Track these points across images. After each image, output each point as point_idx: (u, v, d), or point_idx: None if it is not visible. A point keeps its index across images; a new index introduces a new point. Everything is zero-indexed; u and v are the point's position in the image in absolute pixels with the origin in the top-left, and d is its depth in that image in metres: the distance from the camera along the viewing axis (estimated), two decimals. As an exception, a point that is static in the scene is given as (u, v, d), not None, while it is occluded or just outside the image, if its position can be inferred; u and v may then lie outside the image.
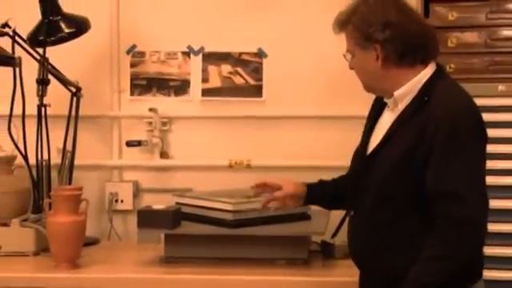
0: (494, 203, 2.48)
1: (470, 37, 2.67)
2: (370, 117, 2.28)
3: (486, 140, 2.07)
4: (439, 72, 2.13)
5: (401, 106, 2.12)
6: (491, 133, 2.47)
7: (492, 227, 2.47)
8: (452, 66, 2.66)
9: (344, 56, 2.21)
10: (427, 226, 2.00)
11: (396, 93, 2.12)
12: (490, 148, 2.48)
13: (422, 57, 2.10)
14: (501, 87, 2.53)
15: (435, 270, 1.97)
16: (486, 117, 2.48)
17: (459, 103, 2.05)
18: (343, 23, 2.16)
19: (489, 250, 2.49)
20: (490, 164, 2.48)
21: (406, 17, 2.10)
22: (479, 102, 2.49)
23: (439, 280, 1.97)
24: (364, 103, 2.29)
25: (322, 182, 2.50)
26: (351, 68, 2.22)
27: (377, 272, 2.14)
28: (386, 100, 2.19)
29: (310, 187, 2.45)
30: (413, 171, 2.02)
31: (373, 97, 2.33)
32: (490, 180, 2.47)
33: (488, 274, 2.47)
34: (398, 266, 2.05)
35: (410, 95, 2.10)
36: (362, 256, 2.19)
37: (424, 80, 2.09)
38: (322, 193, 2.48)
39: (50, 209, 2.71)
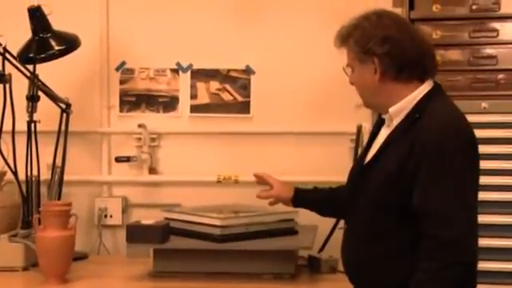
0: (481, 218, 2.53)
1: (454, 55, 2.71)
2: (372, 133, 2.31)
3: (477, 159, 2.07)
4: (435, 90, 2.14)
5: (395, 122, 2.14)
6: (474, 149, 2.54)
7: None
8: (436, 83, 2.70)
9: (344, 70, 2.24)
10: (417, 239, 2.01)
11: (391, 109, 2.14)
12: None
13: (419, 73, 2.12)
14: (484, 104, 2.57)
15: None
16: (470, 133, 2.55)
17: (449, 122, 2.04)
18: (345, 37, 2.20)
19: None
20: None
21: (405, 33, 2.12)
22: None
23: None
24: (349, 120, 2.33)
25: (315, 188, 2.57)
26: (351, 83, 2.24)
27: (368, 285, 2.16)
28: (383, 116, 2.22)
29: (299, 192, 2.53)
30: (403, 186, 2.03)
31: (357, 115, 2.35)
32: (474, 195, 2.54)
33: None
34: (388, 279, 2.07)
35: (404, 112, 2.12)
36: (354, 269, 2.20)
37: (419, 97, 2.11)
38: (311, 198, 2.54)
39: (39, 224, 2.73)
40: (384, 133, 2.19)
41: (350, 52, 2.18)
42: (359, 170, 2.22)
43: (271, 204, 2.62)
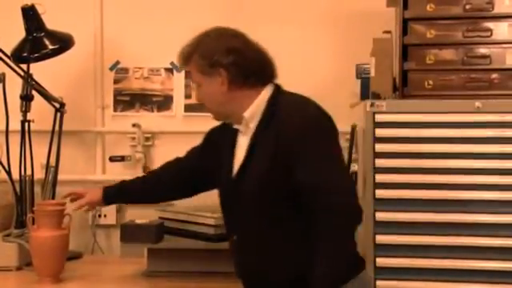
0: (475, 218, 2.55)
1: (448, 54, 2.72)
2: (228, 145, 2.33)
3: (337, 134, 2.23)
4: (279, 88, 2.29)
5: (252, 125, 2.24)
6: (467, 148, 2.55)
7: (468, 241, 2.55)
8: (430, 82, 2.71)
9: (192, 89, 2.32)
10: (310, 223, 2.12)
11: (245, 113, 2.24)
12: (467, 163, 2.56)
13: (263, 78, 2.26)
14: (477, 103, 2.57)
15: (331, 262, 2.08)
16: (463, 132, 2.56)
17: (303, 104, 2.22)
18: (189, 55, 2.29)
19: (466, 264, 2.55)
20: (468, 179, 2.56)
21: (245, 45, 2.26)
22: (456, 117, 2.57)
23: (336, 271, 2.08)
24: (343, 119, 2.34)
25: (121, 181, 2.68)
26: (198, 100, 2.36)
27: (273, 280, 2.21)
28: (236, 127, 2.29)
29: (106, 188, 2.64)
30: (280, 180, 2.14)
31: (351, 115, 2.35)
32: (468, 195, 2.55)
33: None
34: (288, 275, 2.16)
35: (258, 113, 2.23)
36: (255, 271, 2.25)
37: (267, 97, 2.25)
38: (121, 190, 2.64)
39: (33, 224, 2.72)
40: (243, 141, 2.27)
41: (196, 68, 2.28)
42: (230, 182, 2.27)
43: (87, 211, 2.79)
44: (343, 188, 2.12)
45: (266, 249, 2.20)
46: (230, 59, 2.21)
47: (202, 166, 2.45)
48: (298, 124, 2.15)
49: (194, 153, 2.53)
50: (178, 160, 2.59)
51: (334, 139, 2.21)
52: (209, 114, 2.33)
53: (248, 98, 2.24)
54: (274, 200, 2.16)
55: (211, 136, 2.48)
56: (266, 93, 2.25)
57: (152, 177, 2.66)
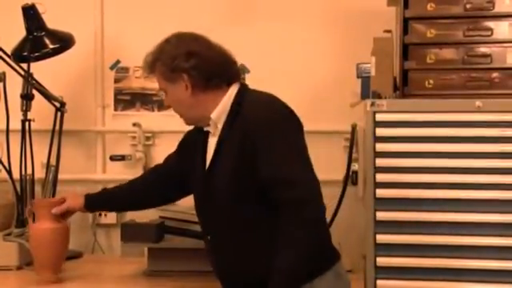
0: (475, 217, 2.55)
1: (448, 53, 2.71)
2: (198, 148, 2.35)
3: (301, 128, 2.25)
4: (244, 87, 2.31)
5: (220, 126, 2.27)
6: (468, 148, 2.55)
7: (468, 240, 2.55)
8: (430, 81, 2.70)
9: (160, 96, 2.32)
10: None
11: (212, 115, 2.27)
12: (467, 163, 2.55)
13: (226, 79, 2.28)
14: (478, 103, 2.57)
15: (292, 256, 2.09)
16: (464, 132, 2.56)
17: (267, 101, 2.25)
18: (152, 63, 2.32)
19: (467, 263, 2.55)
20: (468, 179, 2.56)
21: (206, 47, 2.29)
22: (457, 117, 2.57)
23: (297, 264, 2.09)
24: (343, 119, 2.34)
25: (103, 189, 2.78)
26: (168, 105, 2.39)
27: (248, 279, 2.21)
28: (206, 129, 2.32)
29: (88, 196, 2.63)
30: (247, 178, 2.16)
31: (351, 114, 2.36)
32: (468, 194, 2.55)
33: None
34: (265, 269, 2.12)
35: (224, 113, 2.26)
36: (229, 272, 2.27)
37: (233, 96, 2.27)
38: (102, 199, 2.65)
39: (33, 221, 2.70)
40: (212, 142, 2.30)
41: (160, 75, 2.31)
42: (201, 183, 2.29)
43: (65, 218, 2.67)
44: (304, 182, 2.14)
45: (238, 249, 2.22)
46: (191, 63, 2.24)
47: (178, 170, 2.48)
48: (261, 120, 2.18)
49: (171, 158, 2.57)
50: (156, 167, 2.66)
51: (297, 134, 2.23)
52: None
53: (213, 100, 2.27)
54: (243, 199, 2.19)
55: (185, 140, 2.51)
56: (232, 92, 2.28)
57: (133, 184, 2.66)
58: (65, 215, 2.66)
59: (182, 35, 2.33)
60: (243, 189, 2.18)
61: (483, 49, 2.70)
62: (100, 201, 2.66)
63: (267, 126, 2.17)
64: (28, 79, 3.01)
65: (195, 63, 2.24)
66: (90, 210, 2.72)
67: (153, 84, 3.35)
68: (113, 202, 2.66)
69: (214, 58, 2.27)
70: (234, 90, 2.29)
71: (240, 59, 3.28)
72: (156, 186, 2.58)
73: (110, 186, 3.34)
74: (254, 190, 2.17)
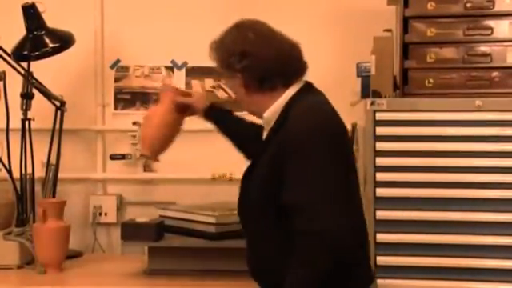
0: (475, 216, 2.55)
1: (448, 52, 2.72)
2: (260, 137, 2.30)
3: (343, 150, 2.09)
4: (303, 90, 2.18)
5: (269, 127, 2.18)
6: (468, 147, 2.55)
7: (468, 239, 2.56)
8: (431, 80, 2.70)
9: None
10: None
11: (265, 115, 2.19)
12: (467, 162, 2.56)
13: (281, 81, 2.16)
14: (478, 102, 2.57)
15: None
16: (464, 131, 2.56)
17: (309, 120, 2.07)
18: (213, 51, 2.25)
19: (467, 262, 2.55)
20: (468, 177, 2.56)
21: (264, 44, 2.17)
22: (457, 116, 2.57)
23: None
24: (344, 118, 2.33)
25: (227, 109, 2.60)
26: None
27: (271, 285, 2.16)
28: (262, 123, 2.27)
29: (214, 104, 2.57)
30: (276, 187, 2.04)
31: (352, 113, 2.36)
32: (468, 193, 2.55)
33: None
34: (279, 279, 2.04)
35: (276, 116, 2.16)
36: (255, 271, 2.22)
37: (286, 101, 2.15)
38: (223, 115, 2.57)
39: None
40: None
41: (219, 67, 2.26)
42: (242, 179, 2.24)
43: (182, 113, 2.54)
44: (325, 213, 1.96)
45: (261, 252, 2.16)
46: (244, 64, 2.15)
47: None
48: (295, 136, 2.04)
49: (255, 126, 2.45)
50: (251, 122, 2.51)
51: (333, 153, 2.03)
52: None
53: (268, 101, 2.17)
54: (267, 209, 2.09)
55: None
56: (287, 95, 2.16)
57: (243, 120, 2.55)
58: (184, 109, 2.53)
59: (244, 26, 2.22)
60: (267, 200, 2.08)
61: (483, 48, 2.70)
62: (219, 114, 2.57)
63: (301, 147, 2.02)
64: (28, 78, 3.01)
65: (247, 64, 2.15)
66: (206, 117, 2.56)
67: (153, 83, 3.37)
68: (228, 121, 2.56)
69: (270, 58, 2.15)
70: (291, 92, 2.16)
71: (240, 58, 3.32)
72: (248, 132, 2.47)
73: (110, 185, 3.38)
74: (277, 206, 2.05)
